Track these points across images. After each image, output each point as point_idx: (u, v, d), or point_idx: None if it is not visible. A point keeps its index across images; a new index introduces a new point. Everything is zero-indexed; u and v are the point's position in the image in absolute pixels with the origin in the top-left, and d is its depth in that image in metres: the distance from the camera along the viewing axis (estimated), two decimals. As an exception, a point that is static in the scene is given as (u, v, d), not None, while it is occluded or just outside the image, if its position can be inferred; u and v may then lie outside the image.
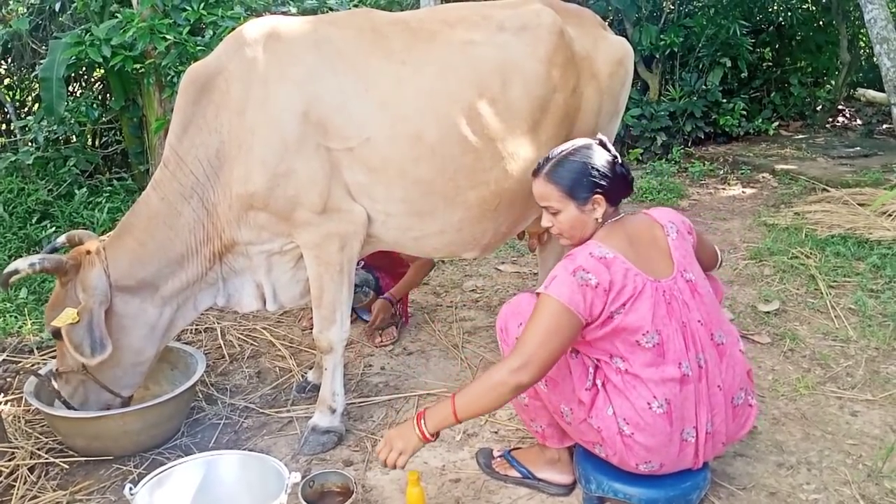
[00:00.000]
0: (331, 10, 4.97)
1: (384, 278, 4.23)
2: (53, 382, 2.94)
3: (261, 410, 3.38)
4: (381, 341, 4.00)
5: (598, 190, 2.44)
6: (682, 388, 2.35)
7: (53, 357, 3.68)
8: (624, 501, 2.51)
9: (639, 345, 2.34)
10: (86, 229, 3.74)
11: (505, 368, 2.26)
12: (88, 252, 2.86)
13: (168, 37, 4.88)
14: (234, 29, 4.66)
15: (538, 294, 2.34)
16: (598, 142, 2.53)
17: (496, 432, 3.15)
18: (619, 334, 2.34)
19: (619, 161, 2.51)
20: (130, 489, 2.31)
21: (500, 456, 2.89)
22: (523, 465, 2.81)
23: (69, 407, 2.91)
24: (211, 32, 4.96)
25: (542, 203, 2.54)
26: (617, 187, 2.48)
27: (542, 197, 2.53)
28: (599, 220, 2.47)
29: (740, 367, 2.53)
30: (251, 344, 4.03)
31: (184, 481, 2.52)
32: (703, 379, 2.40)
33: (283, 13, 5.03)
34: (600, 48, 3.26)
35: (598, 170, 2.44)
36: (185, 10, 5.02)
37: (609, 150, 2.51)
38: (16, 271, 2.75)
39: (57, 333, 2.80)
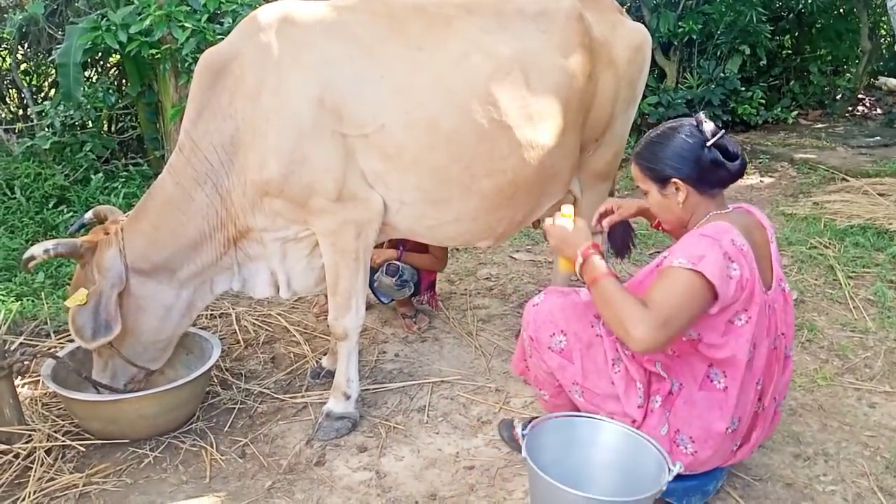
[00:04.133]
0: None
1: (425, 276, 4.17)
2: (73, 364, 2.98)
3: (275, 396, 3.39)
4: (419, 328, 4.01)
5: (677, 175, 2.30)
6: (751, 407, 2.35)
7: (71, 340, 3.72)
8: None
9: (735, 357, 2.23)
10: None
11: (644, 317, 2.06)
12: (106, 233, 2.89)
13: (187, 25, 4.87)
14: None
15: (683, 267, 2.11)
16: (693, 122, 2.33)
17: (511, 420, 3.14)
18: (733, 343, 2.22)
19: (711, 146, 2.27)
20: (523, 427, 2.25)
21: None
22: None
23: (97, 387, 2.96)
24: (230, 20, 4.94)
25: (636, 183, 2.46)
26: (703, 174, 2.29)
27: (634, 177, 2.45)
28: (680, 204, 2.32)
29: (787, 376, 2.52)
30: (266, 329, 4.04)
31: (564, 433, 2.43)
32: (767, 394, 2.40)
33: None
34: (618, 34, 3.22)
35: (677, 153, 2.29)
36: (203, -5, 5.01)
37: (703, 133, 2.30)
38: (32, 257, 2.79)
39: None
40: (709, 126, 2.31)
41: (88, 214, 3.14)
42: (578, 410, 2.50)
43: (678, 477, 2.34)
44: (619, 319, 2.12)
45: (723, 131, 2.33)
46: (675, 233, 2.44)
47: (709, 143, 2.28)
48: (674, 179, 2.31)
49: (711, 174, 2.29)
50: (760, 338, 2.27)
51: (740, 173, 2.34)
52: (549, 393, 2.63)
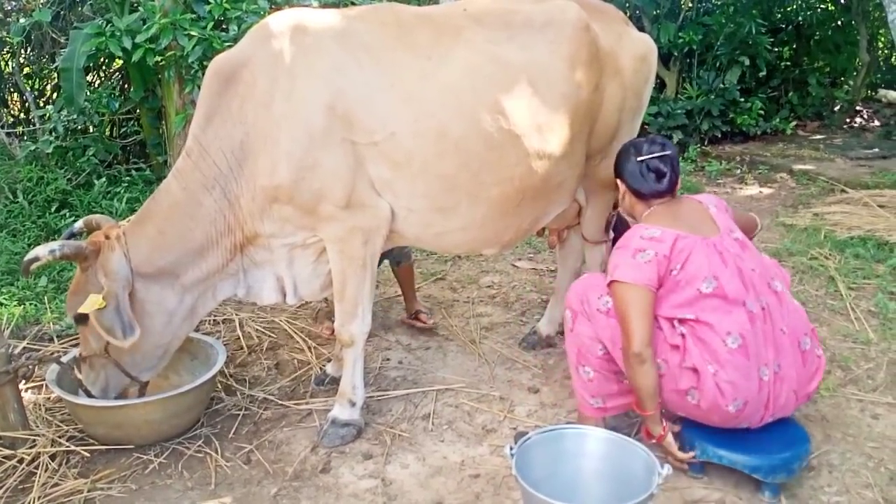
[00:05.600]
0: (353, 3, 4.96)
1: None
2: (77, 370, 2.96)
3: (280, 402, 3.39)
4: (425, 324, 4.09)
5: (619, 176, 2.89)
6: (752, 324, 2.59)
7: (74, 345, 3.72)
8: (728, 467, 2.70)
9: (700, 293, 2.60)
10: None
11: (626, 354, 2.62)
12: (108, 237, 2.86)
13: (192, 32, 4.88)
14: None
15: (609, 283, 2.66)
16: (652, 138, 2.88)
17: (514, 428, 3.14)
18: (682, 288, 2.61)
19: (645, 161, 2.80)
20: (510, 448, 2.38)
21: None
22: None
23: (88, 393, 2.93)
24: (236, 27, 4.95)
25: None
26: (633, 182, 2.83)
27: None
28: (622, 199, 2.93)
29: (801, 314, 2.81)
30: (269, 335, 4.04)
31: (552, 447, 2.54)
32: (767, 320, 2.65)
33: (306, 6, 5.02)
34: (624, 44, 3.24)
35: (622, 158, 2.89)
36: (207, 2, 5.01)
37: (646, 148, 2.83)
38: (36, 258, 2.73)
39: (79, 319, 2.82)
40: (652, 146, 2.82)
41: (79, 224, 3.08)
42: (621, 383, 2.81)
43: (761, 452, 2.64)
44: (632, 372, 2.63)
45: (662, 153, 2.81)
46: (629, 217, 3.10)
47: (639, 159, 2.81)
48: (618, 178, 2.90)
49: (638, 183, 2.82)
50: (718, 269, 2.61)
51: (663, 192, 2.80)
52: (594, 367, 2.81)
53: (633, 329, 2.57)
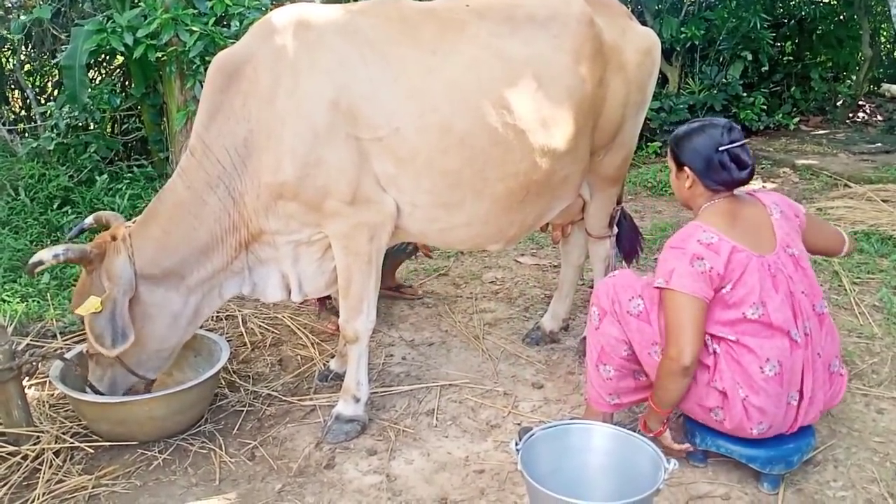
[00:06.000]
0: (354, -1, 4.94)
1: None
2: (81, 367, 2.96)
3: (283, 398, 3.38)
4: (413, 293, 4.42)
5: (689, 164, 2.64)
6: (792, 352, 2.53)
7: (77, 342, 3.72)
8: (735, 461, 2.72)
9: (745, 317, 2.51)
10: (110, 213, 3.75)
11: (668, 361, 2.51)
12: (114, 239, 2.85)
13: (194, 28, 4.87)
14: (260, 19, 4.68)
15: (659, 288, 2.53)
16: (723, 124, 2.63)
17: (519, 424, 3.14)
18: (727, 308, 2.52)
19: (723, 150, 2.57)
20: (516, 443, 2.37)
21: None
22: None
23: (95, 391, 2.92)
24: (237, 23, 4.94)
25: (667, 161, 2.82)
26: (709, 171, 2.60)
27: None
28: (687, 188, 2.67)
29: (835, 336, 2.75)
30: (272, 332, 4.04)
31: (558, 442, 2.52)
32: (808, 346, 2.58)
33: (309, 1, 5.01)
34: (628, 38, 3.23)
35: (695, 146, 2.62)
36: (209, -2, 5.01)
37: (726, 136, 2.59)
38: (40, 262, 2.72)
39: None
40: (732, 134, 2.60)
41: (89, 220, 3.10)
42: (637, 380, 2.80)
43: (761, 443, 2.63)
44: (669, 381, 2.54)
45: (742, 142, 2.62)
46: (683, 206, 2.82)
47: (721, 148, 2.58)
48: (685, 167, 2.65)
49: (716, 174, 2.60)
50: (768, 295, 2.50)
51: (744, 181, 2.63)
52: (615, 366, 2.77)
53: (685, 341, 2.46)
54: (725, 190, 2.63)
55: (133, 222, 2.97)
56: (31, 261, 2.75)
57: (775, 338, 2.50)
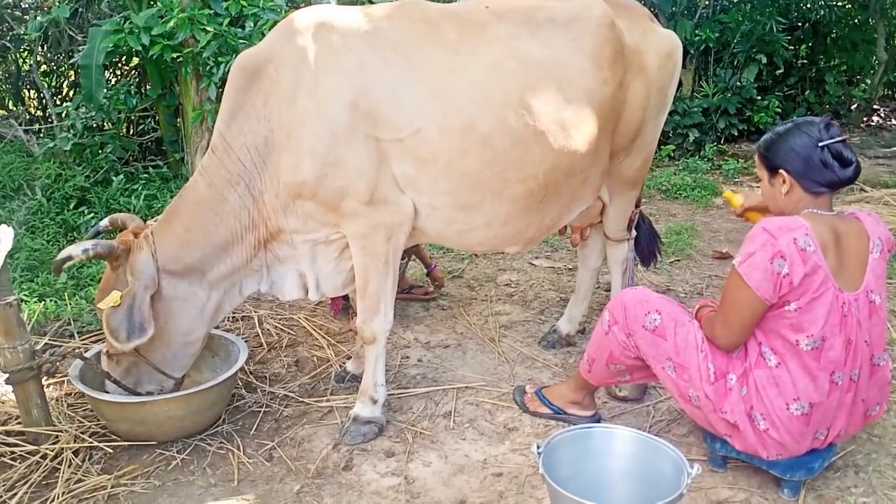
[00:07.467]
0: (371, 1, 4.94)
1: None
2: (104, 364, 2.97)
3: (300, 399, 3.38)
4: (426, 292, 4.48)
5: (785, 167, 2.46)
6: (829, 395, 2.43)
7: (95, 341, 3.74)
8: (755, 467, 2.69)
9: (797, 345, 2.39)
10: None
11: (714, 322, 2.51)
12: (137, 236, 2.89)
13: (209, 28, 4.89)
14: (275, 21, 4.69)
15: (734, 266, 2.40)
16: (819, 122, 2.46)
17: (535, 426, 3.13)
18: (783, 328, 2.41)
19: (824, 146, 2.40)
20: (538, 446, 2.36)
21: (533, 392, 3.22)
22: (553, 402, 3.12)
23: (120, 386, 2.94)
24: (252, 24, 4.96)
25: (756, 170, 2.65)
26: (810, 172, 2.42)
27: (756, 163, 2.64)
28: (784, 195, 2.48)
29: (887, 389, 2.65)
30: (288, 333, 4.04)
31: (579, 445, 2.52)
32: (851, 391, 2.48)
33: (328, 3, 5.02)
34: (650, 41, 3.22)
35: (791, 147, 2.44)
36: (225, -1, 5.03)
37: (825, 132, 2.42)
38: (69, 257, 2.76)
39: None
40: (831, 130, 2.44)
41: (104, 222, 3.13)
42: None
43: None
44: (709, 319, 2.55)
45: (843, 137, 2.44)
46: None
47: (821, 144, 2.40)
48: (781, 171, 2.46)
49: (818, 174, 2.42)
50: (830, 332, 2.37)
51: (850, 180, 2.45)
52: (626, 365, 2.79)
53: (732, 327, 2.44)
54: (829, 192, 2.45)
55: (154, 221, 3.00)
56: (59, 256, 2.78)
57: (818, 377, 2.40)
